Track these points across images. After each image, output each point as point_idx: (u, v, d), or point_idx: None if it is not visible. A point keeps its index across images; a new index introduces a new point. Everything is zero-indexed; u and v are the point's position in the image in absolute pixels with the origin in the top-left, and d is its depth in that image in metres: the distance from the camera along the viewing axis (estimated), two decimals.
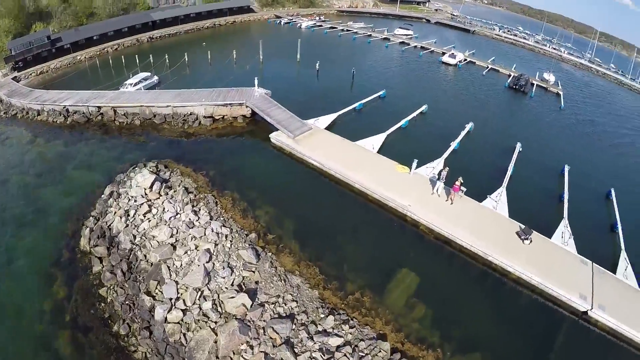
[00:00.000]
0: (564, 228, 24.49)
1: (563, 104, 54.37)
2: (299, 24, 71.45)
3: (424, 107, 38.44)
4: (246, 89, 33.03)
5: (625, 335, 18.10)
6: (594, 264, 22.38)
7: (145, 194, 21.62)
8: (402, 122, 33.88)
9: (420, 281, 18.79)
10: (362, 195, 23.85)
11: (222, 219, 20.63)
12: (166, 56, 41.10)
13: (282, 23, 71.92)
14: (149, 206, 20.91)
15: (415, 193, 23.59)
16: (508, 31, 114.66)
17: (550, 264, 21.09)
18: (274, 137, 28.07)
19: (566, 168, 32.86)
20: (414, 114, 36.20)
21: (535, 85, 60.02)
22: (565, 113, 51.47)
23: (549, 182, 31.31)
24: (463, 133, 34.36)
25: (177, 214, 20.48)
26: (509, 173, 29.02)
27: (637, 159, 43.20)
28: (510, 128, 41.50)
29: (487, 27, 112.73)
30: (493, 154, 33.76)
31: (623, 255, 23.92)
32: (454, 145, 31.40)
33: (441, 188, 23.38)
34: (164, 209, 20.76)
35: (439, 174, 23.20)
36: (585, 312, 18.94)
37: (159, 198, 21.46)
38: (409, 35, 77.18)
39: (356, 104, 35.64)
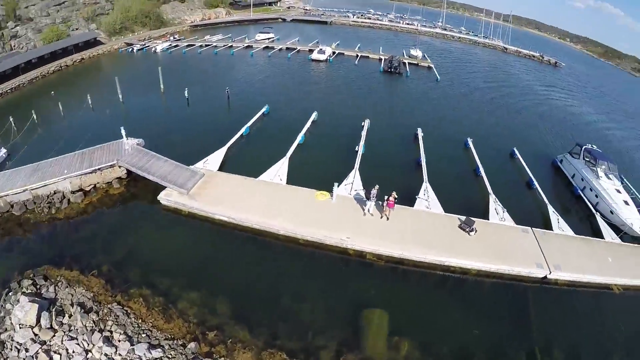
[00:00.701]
0: (495, 204, 26.23)
1: (438, 75, 60.16)
2: (153, 48, 66.32)
3: (314, 115, 37.98)
4: (114, 143, 27.70)
5: (582, 281, 21.80)
6: (532, 228, 24.45)
7: (36, 335, 16.18)
8: (299, 138, 32.67)
9: (389, 315, 17.70)
10: (291, 242, 21.65)
11: (144, 335, 16.35)
12: (11, 119, 32.76)
13: (134, 50, 65.90)
14: (47, 353, 15.58)
15: (347, 220, 22.38)
16: (362, 15, 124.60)
17: (501, 246, 22.62)
18: (163, 197, 23.89)
19: (469, 140, 35.73)
20: (307, 125, 35.40)
21: (407, 64, 65.57)
22: (443, 84, 57.25)
23: (459, 160, 33.84)
24: (364, 133, 34.72)
25: (86, 352, 15.55)
26: (423, 163, 30.23)
27: (522, 110, 50.62)
28: (406, 114, 44.19)
29: (341, 16, 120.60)
30: (401, 146, 35.17)
31: (550, 209, 26.72)
32: (360, 149, 31.36)
33: (372, 207, 22.72)
34: (67, 351, 15.61)
35: (369, 193, 22.47)
36: (545, 277, 21.59)
37: (54, 336, 16.17)
38: (270, 38, 78.06)
39: (242, 130, 33.24)
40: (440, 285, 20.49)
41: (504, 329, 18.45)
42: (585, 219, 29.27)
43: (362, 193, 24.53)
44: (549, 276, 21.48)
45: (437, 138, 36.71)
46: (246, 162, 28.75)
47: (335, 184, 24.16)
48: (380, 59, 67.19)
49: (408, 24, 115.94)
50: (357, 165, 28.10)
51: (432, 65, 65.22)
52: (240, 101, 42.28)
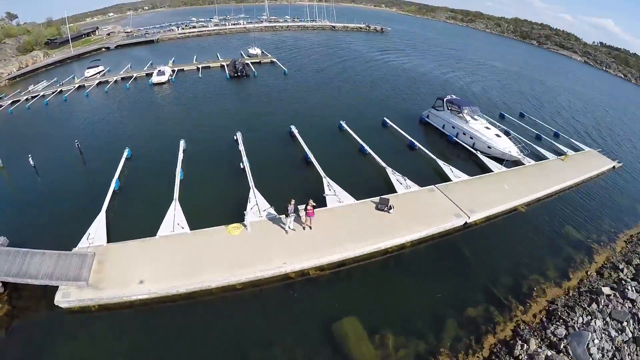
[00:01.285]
0: (394, 176, 28.29)
1: (285, 68, 61.12)
2: None
3: (182, 144, 34.12)
4: None
5: (495, 213, 26.60)
6: (435, 185, 27.67)
7: None
8: (178, 174, 29.18)
9: (358, 317, 17.50)
10: (228, 291, 19.13)
11: None
12: None
13: None
14: None
15: (274, 246, 20.89)
16: (186, 26, 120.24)
17: (419, 212, 24.73)
18: (61, 300, 18.47)
19: (342, 123, 37.12)
20: (180, 157, 32.00)
21: (251, 64, 65.41)
22: (292, 74, 58.40)
23: (342, 144, 35.50)
24: (242, 148, 32.76)
25: None
26: (313, 159, 30.77)
27: (375, 81, 54.86)
28: (273, 114, 43.79)
29: (166, 31, 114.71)
30: (282, 149, 34.92)
31: (440, 162, 31.69)
32: (246, 165, 29.73)
33: (292, 222, 21.73)
34: None
35: (286, 210, 21.15)
36: (465, 223, 24.78)
37: None
38: (101, 71, 69.84)
39: (112, 185, 28.14)
40: (386, 268, 21.03)
41: (456, 280, 20.71)
42: (469, 160, 33.32)
43: (272, 210, 23.29)
44: (468, 221, 24.69)
45: (312, 129, 37.28)
46: (135, 221, 24.50)
47: (245, 212, 22.38)
48: (222, 66, 65.60)
49: (234, 24, 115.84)
50: (251, 184, 26.51)
51: (275, 59, 66.22)
52: (95, 152, 36.04)
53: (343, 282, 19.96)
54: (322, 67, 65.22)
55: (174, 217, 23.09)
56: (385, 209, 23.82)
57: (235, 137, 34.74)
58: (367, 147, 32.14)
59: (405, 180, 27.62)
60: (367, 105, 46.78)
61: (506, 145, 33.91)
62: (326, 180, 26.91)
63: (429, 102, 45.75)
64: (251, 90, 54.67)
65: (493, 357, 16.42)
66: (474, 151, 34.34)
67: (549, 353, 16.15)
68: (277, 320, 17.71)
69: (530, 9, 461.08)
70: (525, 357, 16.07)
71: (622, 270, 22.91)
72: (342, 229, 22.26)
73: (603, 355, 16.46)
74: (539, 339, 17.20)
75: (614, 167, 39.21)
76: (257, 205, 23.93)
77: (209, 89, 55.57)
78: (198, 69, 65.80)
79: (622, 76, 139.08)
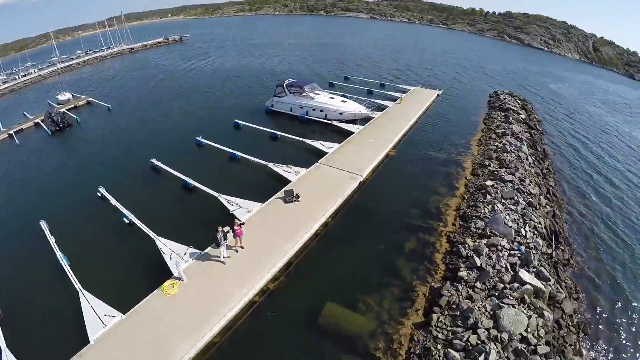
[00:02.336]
0: (277, 168, 29.87)
1: (106, 104, 55.76)
2: None
3: (44, 225, 29.06)
4: None
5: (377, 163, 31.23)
6: (318, 162, 30.26)
7: None
8: (62, 259, 25.17)
9: (332, 301, 18.76)
10: (207, 351, 18.04)
11: None
12: None
13: None
14: None
15: (220, 282, 20.06)
16: None
17: (321, 188, 27.17)
18: None
19: (200, 138, 36.32)
20: (53, 242, 27.37)
21: (68, 112, 57.85)
22: (118, 109, 53.67)
23: (217, 156, 34.41)
24: (114, 202, 29.93)
25: None
26: (196, 184, 29.53)
27: (193, 91, 55.01)
28: (133, 155, 38.22)
29: None
30: (165, 198, 32.05)
31: (308, 141, 35.16)
32: (131, 219, 27.36)
33: (224, 250, 21.33)
34: None
35: (216, 239, 20.52)
36: (361, 182, 28.38)
37: None
38: None
39: None
40: (324, 249, 22.58)
41: (380, 230, 24.01)
42: (328, 132, 37.81)
43: (193, 249, 22.21)
44: (361, 180, 28.38)
45: (172, 153, 34.63)
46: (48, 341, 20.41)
47: (169, 265, 21.05)
48: (37, 124, 55.85)
49: (25, 75, 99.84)
50: (151, 234, 24.59)
51: (91, 98, 59.63)
52: None
53: (300, 279, 20.70)
54: (144, 90, 61.61)
55: (93, 309, 19.96)
56: (294, 199, 25.37)
57: (99, 194, 30.70)
58: (237, 152, 32.70)
59: (290, 168, 29.51)
60: (210, 112, 46.75)
61: (355, 107, 39.42)
62: (222, 198, 26.64)
63: (259, 92, 48.89)
64: (82, 140, 47.78)
65: (451, 266, 20.28)
66: (329, 122, 38.56)
67: (485, 241, 20.90)
68: (275, 344, 17.75)
69: None
70: (472, 253, 20.35)
71: (489, 165, 29.78)
72: (270, 234, 22.69)
73: (517, 223, 22.61)
74: (470, 237, 21.98)
75: (438, 94, 49.09)
76: (173, 251, 22.61)
77: (29, 157, 45.10)
78: (11, 135, 54.17)
79: (407, 20, 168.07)
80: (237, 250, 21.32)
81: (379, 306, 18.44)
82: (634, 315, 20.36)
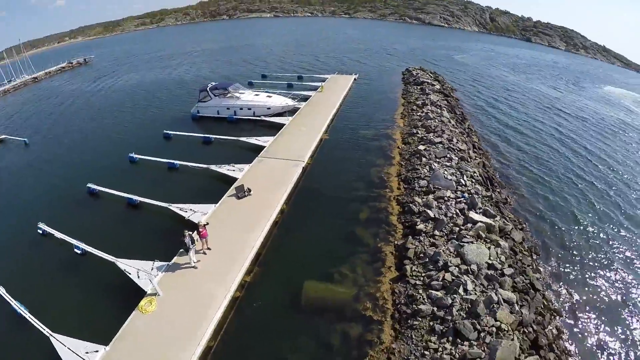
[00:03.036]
0: (222, 168, 29.94)
1: (24, 139, 50.61)
2: None
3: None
4: None
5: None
6: (258, 157, 30.82)
7: None
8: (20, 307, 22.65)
9: (310, 279, 19.72)
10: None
11: None
12: None
13: None
14: None
15: (197, 289, 19.90)
16: None
17: (271, 180, 28.08)
18: None
19: (132, 154, 35.19)
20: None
21: None
22: (37, 142, 49.04)
23: (148, 172, 33.42)
24: (55, 232, 27.56)
25: None
26: (142, 199, 28.83)
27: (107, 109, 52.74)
28: (65, 183, 36.03)
29: None
30: (109, 220, 30.04)
31: (246, 139, 34.93)
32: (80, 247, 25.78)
33: (193, 254, 21.16)
34: None
35: (185, 245, 20.21)
36: (303, 168, 29.67)
37: None
38: None
39: None
40: (286, 233, 23.48)
41: (335, 205, 25.63)
42: (259, 127, 38.99)
43: (152, 264, 21.78)
44: (304, 165, 29.89)
45: (103, 173, 33.16)
46: None
47: (141, 283, 20.46)
48: None
49: None
50: (111, 258, 23.67)
51: (3, 135, 53.41)
52: None
53: (273, 266, 21.23)
54: (59, 117, 56.73)
55: (72, 351, 18.58)
56: (246, 193, 25.92)
57: (40, 230, 28.66)
58: (175, 161, 32.23)
59: (233, 166, 29.92)
60: (135, 128, 44.24)
61: (281, 100, 40.97)
62: (173, 207, 26.28)
63: (181, 101, 48.46)
64: (8, 176, 43.05)
65: (407, 223, 22.38)
66: (258, 118, 39.50)
67: (431, 196, 23.38)
68: (269, 333, 18.20)
69: None
70: (424, 208, 22.57)
71: (417, 133, 32.74)
72: (232, 231, 22.88)
73: (455, 175, 25.51)
74: (417, 195, 24.29)
75: (355, 79, 52.38)
76: (140, 269, 21.98)
77: None
78: None
79: (310, 14, 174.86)
80: (205, 253, 21.20)
81: (353, 273, 19.76)
82: (571, 233, 24.84)
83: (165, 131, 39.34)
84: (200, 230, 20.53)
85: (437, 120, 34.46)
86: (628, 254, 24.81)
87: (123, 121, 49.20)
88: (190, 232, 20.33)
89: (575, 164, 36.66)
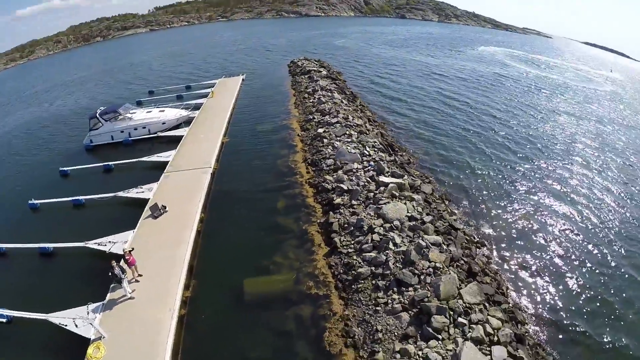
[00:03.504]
0: (131, 193, 28.67)
1: None
2: None
3: None
4: None
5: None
6: (164, 172, 30.27)
7: None
8: None
9: (246, 277, 19.90)
10: None
11: None
12: None
13: None
14: None
15: (139, 319, 19.10)
16: None
17: (184, 191, 27.85)
18: None
19: (33, 201, 31.94)
20: None
21: None
22: None
23: (56, 213, 30.84)
24: None
25: None
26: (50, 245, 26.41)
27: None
28: None
29: None
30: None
31: (148, 158, 33.77)
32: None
33: (127, 284, 19.92)
34: None
35: (115, 276, 18.95)
36: (212, 172, 30.02)
37: None
38: None
39: None
40: (214, 240, 23.58)
41: (254, 198, 26.60)
42: (156, 144, 37.22)
43: (85, 308, 20.31)
44: (212, 172, 30.05)
45: (5, 226, 30.13)
46: None
47: (85, 328, 18.97)
48: None
49: None
50: (36, 316, 21.54)
51: None
52: None
53: (208, 275, 21.11)
54: None
55: None
56: (162, 211, 25.20)
57: None
58: (79, 198, 30.02)
59: (141, 188, 28.74)
60: (26, 171, 39.85)
61: (174, 113, 40.32)
62: (91, 244, 24.37)
63: (70, 134, 45.29)
64: None
65: (324, 201, 23.80)
66: (155, 135, 38.31)
67: (340, 172, 25.30)
68: (225, 342, 18.06)
69: None
70: (336, 183, 24.28)
71: (313, 118, 35.68)
72: (159, 250, 21.97)
73: (358, 148, 27.64)
74: (326, 174, 25.95)
75: (243, 79, 53.16)
76: (75, 317, 20.33)
77: None
78: None
79: (187, 23, 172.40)
80: (137, 280, 20.29)
81: (287, 259, 20.55)
82: (471, 177, 28.78)
83: (61, 168, 36.27)
84: (127, 257, 19.55)
85: (330, 103, 36.41)
86: (523, 185, 29.14)
87: (13, 168, 44.55)
88: (118, 263, 19.33)
89: (460, 118, 41.27)
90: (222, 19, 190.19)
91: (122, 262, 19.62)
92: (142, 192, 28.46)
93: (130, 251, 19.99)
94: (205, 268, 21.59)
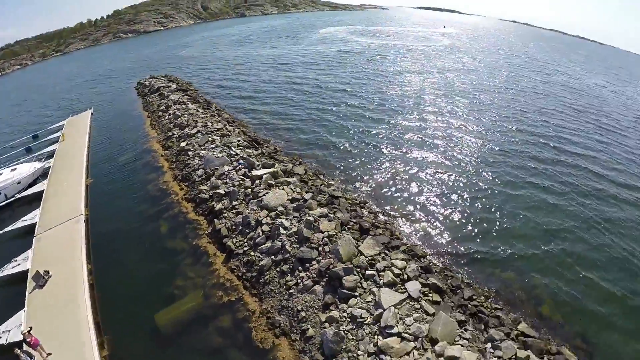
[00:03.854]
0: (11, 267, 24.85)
1: None
2: None
3: None
4: None
5: None
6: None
7: None
8: None
9: (165, 308, 18.26)
10: None
11: None
12: None
13: None
14: None
15: None
16: None
17: (60, 245, 24.89)
18: None
19: None
20: None
21: None
22: None
23: None
24: None
25: None
26: None
27: None
28: None
29: None
30: None
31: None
32: None
33: None
34: None
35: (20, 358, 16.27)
36: (84, 219, 26.54)
37: None
38: None
39: None
40: (109, 284, 21.58)
41: (135, 235, 24.35)
42: (15, 208, 31.64)
43: None
44: (84, 218, 26.56)
45: None
46: None
47: None
48: None
49: None
50: None
51: None
52: None
53: (117, 322, 19.29)
54: None
55: None
56: (46, 278, 22.15)
57: None
58: None
59: (14, 261, 24.59)
60: None
61: (27, 167, 34.43)
62: None
63: None
64: None
65: (206, 211, 23.16)
66: (12, 199, 33.04)
67: (213, 178, 24.72)
68: None
69: None
70: (213, 191, 23.60)
71: (173, 134, 33.73)
72: (58, 320, 19.26)
73: (225, 151, 27.10)
74: (200, 184, 25.08)
75: (91, 113, 48.15)
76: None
77: None
78: None
79: (19, 66, 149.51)
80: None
81: (188, 280, 19.63)
82: (335, 148, 30.85)
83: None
84: (29, 340, 17.13)
85: (186, 115, 34.97)
86: (386, 144, 31.52)
87: None
88: (21, 349, 17.10)
89: (313, 100, 42.78)
90: (56, 53, 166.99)
91: (25, 347, 17.22)
92: (18, 264, 24.61)
93: (29, 331, 17.42)
94: (111, 319, 19.60)
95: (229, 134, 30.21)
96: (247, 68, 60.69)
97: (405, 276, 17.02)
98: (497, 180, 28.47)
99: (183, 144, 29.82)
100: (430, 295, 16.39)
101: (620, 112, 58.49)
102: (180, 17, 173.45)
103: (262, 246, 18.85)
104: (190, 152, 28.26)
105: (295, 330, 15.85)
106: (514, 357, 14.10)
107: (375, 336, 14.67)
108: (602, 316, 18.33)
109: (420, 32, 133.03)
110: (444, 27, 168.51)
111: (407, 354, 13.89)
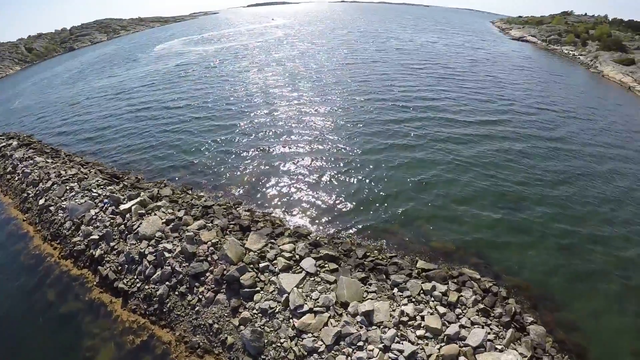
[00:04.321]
0: None
1: None
2: None
3: None
4: None
5: None
6: None
7: None
8: None
9: None
10: None
11: None
12: None
13: None
14: None
15: None
16: None
17: None
18: None
19: None
20: None
21: None
22: None
23: None
24: None
25: None
26: None
27: None
28: None
29: None
30: None
31: None
32: None
33: None
34: None
35: None
36: None
37: None
38: None
39: None
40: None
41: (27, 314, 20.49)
42: None
43: None
44: None
45: None
46: None
47: None
48: None
49: None
50: None
51: None
52: None
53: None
54: None
55: None
56: None
57: None
58: None
59: None
60: None
61: None
62: None
63: None
64: None
65: (87, 262, 20.71)
66: None
67: (83, 227, 22.31)
68: None
69: None
70: (87, 239, 21.32)
71: (29, 195, 28.91)
72: None
73: (85, 196, 24.78)
74: (72, 237, 22.41)
75: None
76: None
77: None
78: None
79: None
80: None
81: (95, 337, 17.38)
82: (197, 162, 29.76)
83: None
84: None
85: (36, 170, 30.45)
86: (248, 142, 31.77)
87: None
88: None
89: (160, 123, 40.23)
90: None
91: None
92: None
93: None
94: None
95: (86, 176, 27.19)
96: (87, 105, 54.08)
97: (297, 257, 17.58)
98: (357, 150, 30.18)
99: (42, 201, 26.02)
100: (326, 265, 17.26)
101: (455, 61, 65.35)
102: (5, 65, 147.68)
103: (154, 276, 17.80)
104: (52, 208, 24.83)
105: (215, 344, 15.47)
106: (421, 291, 15.52)
107: (290, 320, 14.99)
108: (487, 234, 20.97)
109: (255, 28, 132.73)
110: (272, 19, 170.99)
111: (325, 324, 14.47)
